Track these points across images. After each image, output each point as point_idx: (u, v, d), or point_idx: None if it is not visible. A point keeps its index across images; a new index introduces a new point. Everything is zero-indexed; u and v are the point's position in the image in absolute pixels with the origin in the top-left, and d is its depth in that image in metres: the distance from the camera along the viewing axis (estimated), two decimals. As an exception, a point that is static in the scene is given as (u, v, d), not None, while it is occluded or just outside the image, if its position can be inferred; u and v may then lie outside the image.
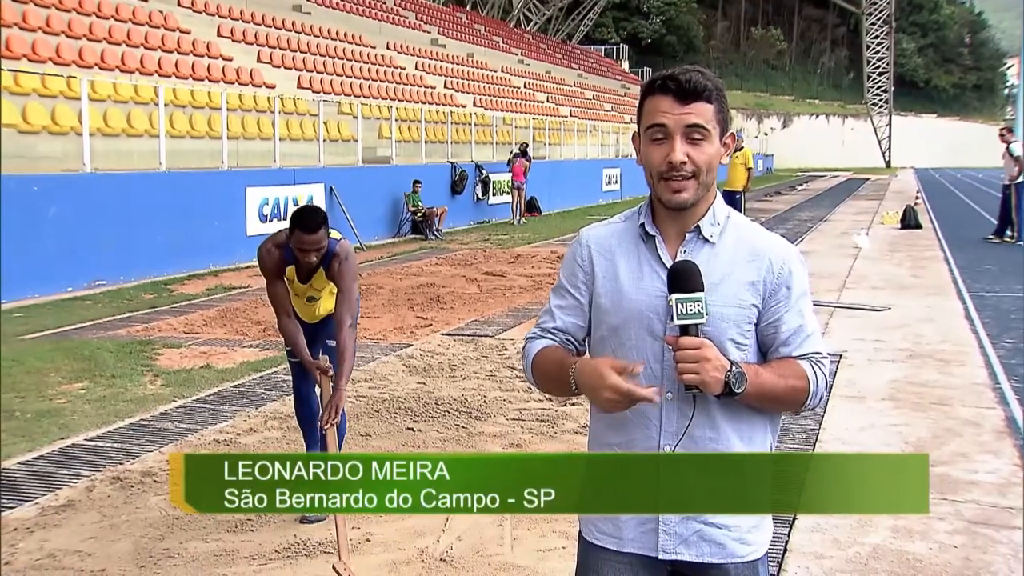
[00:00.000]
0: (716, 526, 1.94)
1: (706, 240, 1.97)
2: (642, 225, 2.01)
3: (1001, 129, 17.60)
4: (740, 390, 1.85)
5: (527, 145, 24.67)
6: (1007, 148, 16.93)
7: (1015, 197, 17.00)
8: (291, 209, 4.64)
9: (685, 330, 1.85)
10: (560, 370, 1.98)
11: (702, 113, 1.90)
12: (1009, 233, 17.33)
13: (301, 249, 4.36)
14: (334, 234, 4.59)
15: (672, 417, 1.93)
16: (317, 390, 4.72)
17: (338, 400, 4.28)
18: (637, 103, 2.02)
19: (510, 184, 23.98)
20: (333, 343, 4.67)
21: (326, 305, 4.75)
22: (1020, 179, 16.90)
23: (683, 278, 1.86)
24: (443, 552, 4.15)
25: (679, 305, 1.84)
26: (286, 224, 4.57)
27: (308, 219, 4.34)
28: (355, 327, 4.51)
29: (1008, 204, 17.18)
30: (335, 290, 4.69)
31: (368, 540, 4.28)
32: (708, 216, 1.98)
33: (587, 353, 2.10)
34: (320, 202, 16.46)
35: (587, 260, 2.05)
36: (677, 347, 1.85)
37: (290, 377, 5.30)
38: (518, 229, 21.59)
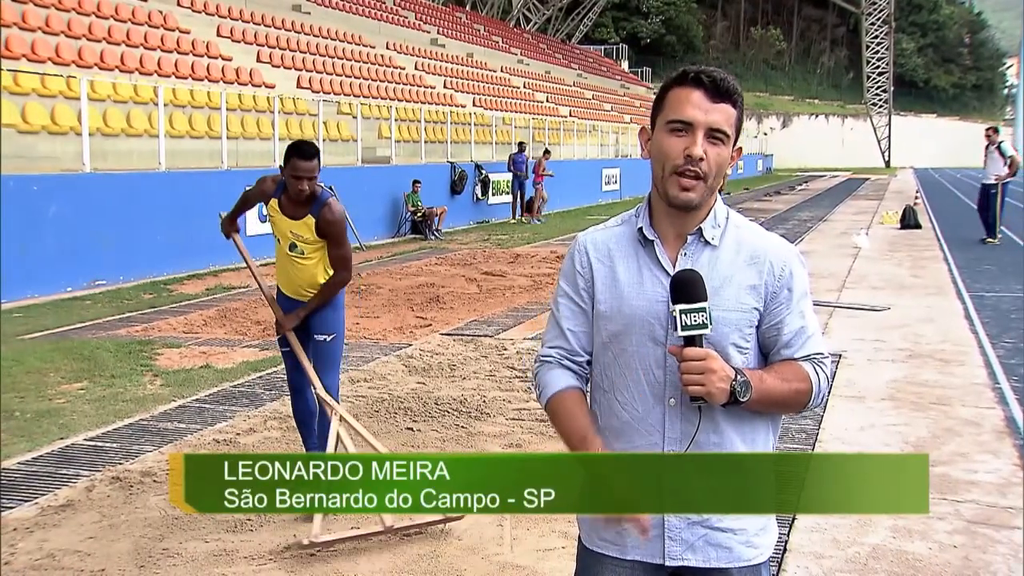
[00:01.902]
0: (722, 530, 1.93)
1: (707, 243, 1.95)
2: (640, 229, 1.98)
3: (987, 129, 17.54)
4: (745, 399, 1.84)
5: (524, 144, 24.74)
6: (997, 147, 16.89)
7: (1001, 196, 17.01)
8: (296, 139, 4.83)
9: (690, 340, 1.84)
10: (571, 445, 1.96)
11: (727, 115, 1.89)
12: (989, 234, 17.38)
13: (295, 176, 4.48)
14: (326, 188, 4.76)
15: (676, 423, 1.92)
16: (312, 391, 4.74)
17: (285, 319, 4.68)
18: (655, 95, 1.99)
19: (509, 184, 24.09)
20: (321, 338, 4.72)
21: (310, 270, 4.70)
22: (1007, 179, 16.96)
23: (686, 288, 1.84)
24: (443, 552, 4.14)
25: (683, 316, 1.82)
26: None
27: (304, 147, 4.51)
28: (344, 281, 4.74)
29: (994, 203, 17.15)
30: (322, 258, 4.68)
31: (368, 540, 4.28)
32: (709, 218, 1.96)
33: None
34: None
35: (587, 267, 2.03)
36: (681, 358, 1.83)
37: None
38: (518, 229, 21.61)
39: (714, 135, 1.88)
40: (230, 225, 5.08)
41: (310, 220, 4.59)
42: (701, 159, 1.87)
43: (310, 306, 4.69)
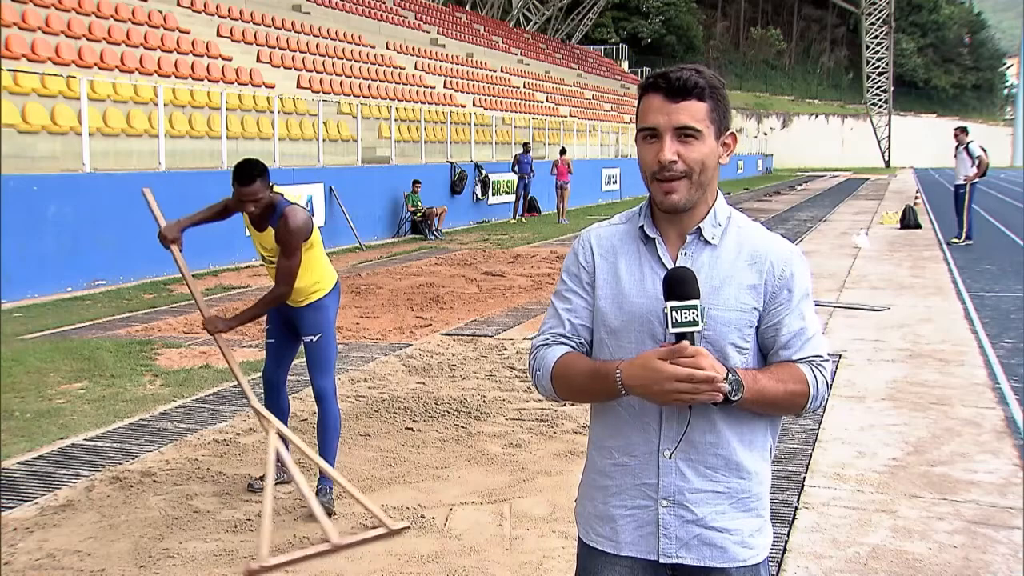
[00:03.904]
0: (717, 530, 1.93)
1: (707, 242, 1.94)
2: (641, 227, 1.99)
3: (956, 129, 17.42)
4: (737, 398, 1.83)
5: (529, 145, 24.79)
6: (965, 148, 16.79)
7: (968, 197, 16.93)
8: (241, 159, 4.82)
9: (682, 337, 1.83)
10: (596, 381, 1.90)
11: (693, 112, 1.87)
12: (956, 233, 17.29)
13: (239, 200, 4.52)
14: (292, 197, 4.66)
15: (672, 421, 1.92)
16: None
17: (209, 325, 4.47)
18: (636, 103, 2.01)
19: (510, 184, 24.11)
20: (308, 338, 4.71)
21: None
22: (975, 179, 16.86)
23: (678, 285, 1.83)
24: (443, 552, 4.14)
25: (674, 313, 1.81)
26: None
27: (242, 172, 4.51)
28: (282, 296, 4.58)
29: (962, 203, 17.04)
30: (305, 265, 4.65)
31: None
32: (709, 217, 1.96)
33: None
34: (320, 202, 16.46)
35: (590, 261, 2.03)
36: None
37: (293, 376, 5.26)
38: (518, 229, 21.61)
39: (683, 135, 1.87)
40: (175, 230, 4.75)
41: (271, 231, 4.58)
42: (673, 161, 1.87)
43: (241, 316, 4.63)
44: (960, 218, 17.20)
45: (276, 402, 4.91)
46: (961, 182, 16.95)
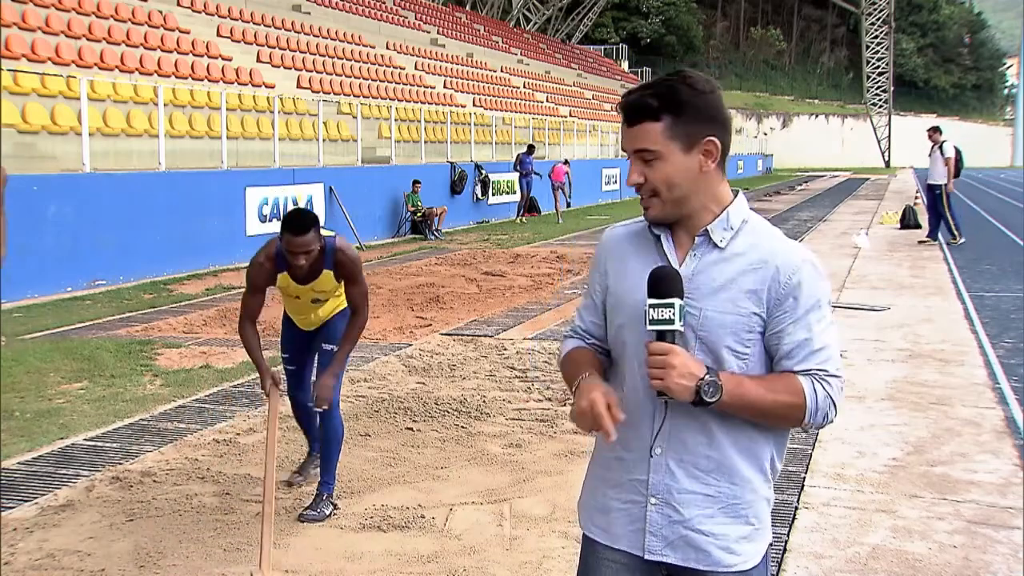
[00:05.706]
0: (702, 533, 1.92)
1: (715, 245, 1.94)
2: (648, 226, 2.01)
3: (929, 129, 17.23)
4: (713, 399, 1.83)
5: (534, 147, 24.84)
6: (939, 148, 16.70)
7: (946, 197, 16.82)
8: (291, 209, 4.65)
9: (661, 336, 1.85)
10: (573, 376, 2.02)
11: (645, 135, 1.90)
12: (951, 235, 17.23)
13: (291, 252, 4.23)
14: (326, 232, 4.48)
15: (659, 419, 1.94)
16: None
17: (326, 387, 4.45)
18: None
19: (510, 183, 24.09)
20: (329, 347, 4.64)
21: (327, 310, 4.70)
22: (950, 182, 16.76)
23: (658, 284, 1.86)
24: (443, 552, 4.15)
25: (651, 310, 1.85)
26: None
27: (297, 221, 4.21)
28: (366, 320, 4.55)
29: (940, 203, 16.95)
30: (340, 292, 4.64)
31: (368, 540, 4.28)
32: (720, 221, 1.95)
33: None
34: (320, 202, 16.47)
35: (602, 261, 2.08)
36: (648, 352, 1.86)
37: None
38: (518, 229, 21.62)
39: (643, 157, 1.92)
40: (259, 360, 4.52)
41: (328, 273, 4.45)
42: (639, 184, 1.94)
43: (340, 363, 4.52)
44: (945, 219, 17.12)
45: (306, 414, 4.95)
46: (937, 182, 16.83)
